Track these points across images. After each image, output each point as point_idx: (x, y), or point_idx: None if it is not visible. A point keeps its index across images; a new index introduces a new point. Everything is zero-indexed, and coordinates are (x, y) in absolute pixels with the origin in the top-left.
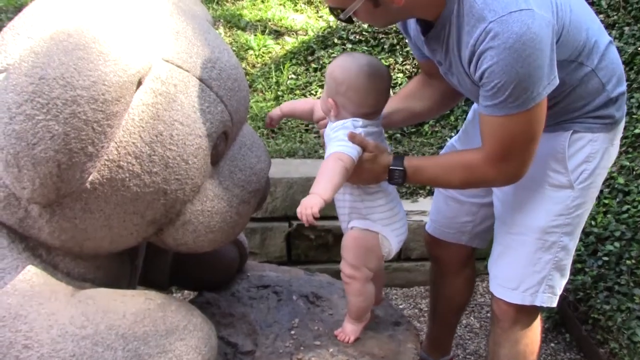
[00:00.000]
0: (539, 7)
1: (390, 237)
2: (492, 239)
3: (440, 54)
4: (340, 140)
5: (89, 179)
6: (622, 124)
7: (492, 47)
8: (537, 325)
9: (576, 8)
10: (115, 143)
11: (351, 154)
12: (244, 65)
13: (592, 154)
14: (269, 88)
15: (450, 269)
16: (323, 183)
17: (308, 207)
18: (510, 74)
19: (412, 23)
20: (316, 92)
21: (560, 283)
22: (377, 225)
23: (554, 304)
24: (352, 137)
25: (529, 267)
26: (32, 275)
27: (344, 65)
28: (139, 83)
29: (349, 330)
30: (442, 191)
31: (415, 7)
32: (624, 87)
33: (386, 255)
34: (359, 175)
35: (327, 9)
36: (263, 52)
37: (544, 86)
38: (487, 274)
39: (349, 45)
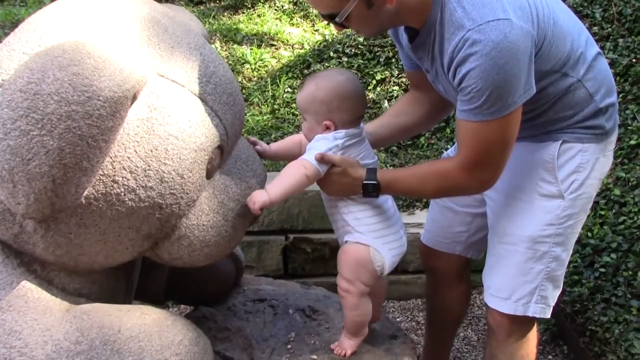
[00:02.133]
0: (517, 18)
1: (382, 250)
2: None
3: (427, 62)
4: (315, 150)
5: (84, 194)
6: (614, 135)
7: (470, 54)
8: (533, 336)
9: (561, 20)
10: (110, 158)
11: (315, 164)
12: (240, 79)
13: (583, 164)
14: (265, 101)
15: (445, 279)
16: (278, 184)
17: (251, 202)
18: (486, 80)
19: (402, 31)
20: None
21: (554, 294)
22: (368, 238)
23: (547, 315)
24: (321, 159)
25: (520, 276)
26: (26, 290)
27: (325, 86)
28: (134, 98)
29: (346, 344)
30: (438, 201)
31: (404, 12)
32: (613, 99)
33: (379, 270)
34: (329, 186)
35: (321, 17)
36: (259, 66)
37: (520, 95)
38: (483, 285)
39: (345, 59)
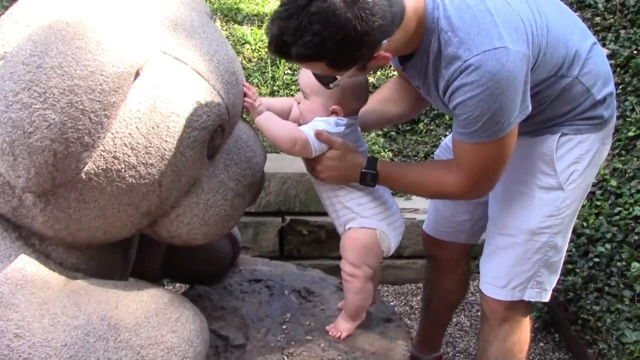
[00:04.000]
0: (513, 43)
1: (387, 231)
2: (485, 238)
3: (418, 81)
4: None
5: (85, 169)
6: (613, 122)
7: (466, 84)
8: (526, 323)
9: (553, 25)
10: (112, 134)
11: (312, 141)
12: (240, 59)
13: (582, 155)
14: (265, 83)
15: (447, 267)
16: (268, 122)
17: (252, 101)
18: (482, 109)
19: None
20: None
21: (550, 279)
22: (373, 222)
23: (545, 299)
24: (319, 136)
25: (518, 266)
26: (24, 264)
27: None
28: (137, 74)
29: (343, 327)
30: None
31: (398, 52)
32: (611, 88)
33: (386, 251)
34: (326, 172)
35: (314, 76)
36: (259, 47)
37: (515, 116)
38: (479, 272)
39: None
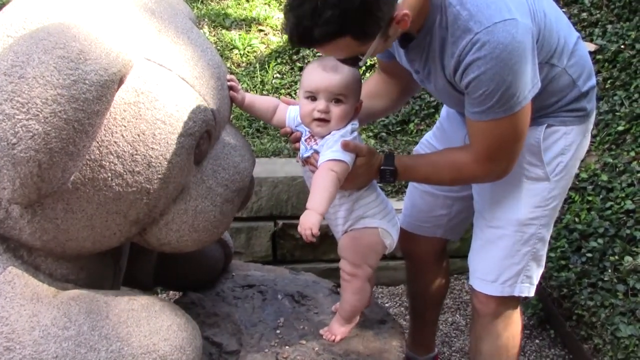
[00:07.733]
0: (521, 16)
1: (388, 228)
2: (469, 233)
3: (419, 64)
4: (336, 143)
5: (71, 178)
6: (593, 116)
7: (479, 58)
8: (517, 318)
9: (548, 12)
10: (97, 142)
11: (345, 159)
12: (228, 64)
13: (567, 147)
14: (253, 87)
15: (424, 264)
16: (318, 197)
17: (307, 228)
18: (497, 82)
19: None
20: None
21: (537, 272)
22: (375, 221)
23: (532, 294)
24: (346, 146)
25: (507, 259)
26: (13, 276)
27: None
28: (121, 82)
29: (337, 330)
30: (417, 185)
31: (412, 19)
32: (593, 81)
33: (389, 248)
34: (354, 180)
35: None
36: (248, 52)
37: (529, 90)
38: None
39: None
